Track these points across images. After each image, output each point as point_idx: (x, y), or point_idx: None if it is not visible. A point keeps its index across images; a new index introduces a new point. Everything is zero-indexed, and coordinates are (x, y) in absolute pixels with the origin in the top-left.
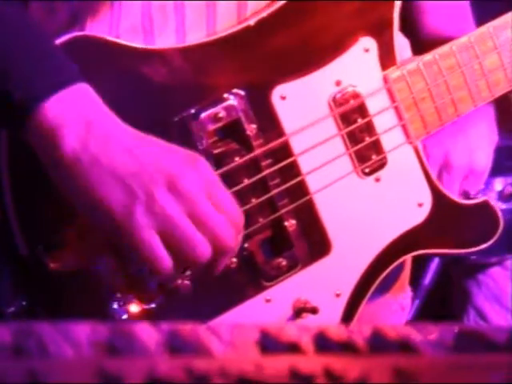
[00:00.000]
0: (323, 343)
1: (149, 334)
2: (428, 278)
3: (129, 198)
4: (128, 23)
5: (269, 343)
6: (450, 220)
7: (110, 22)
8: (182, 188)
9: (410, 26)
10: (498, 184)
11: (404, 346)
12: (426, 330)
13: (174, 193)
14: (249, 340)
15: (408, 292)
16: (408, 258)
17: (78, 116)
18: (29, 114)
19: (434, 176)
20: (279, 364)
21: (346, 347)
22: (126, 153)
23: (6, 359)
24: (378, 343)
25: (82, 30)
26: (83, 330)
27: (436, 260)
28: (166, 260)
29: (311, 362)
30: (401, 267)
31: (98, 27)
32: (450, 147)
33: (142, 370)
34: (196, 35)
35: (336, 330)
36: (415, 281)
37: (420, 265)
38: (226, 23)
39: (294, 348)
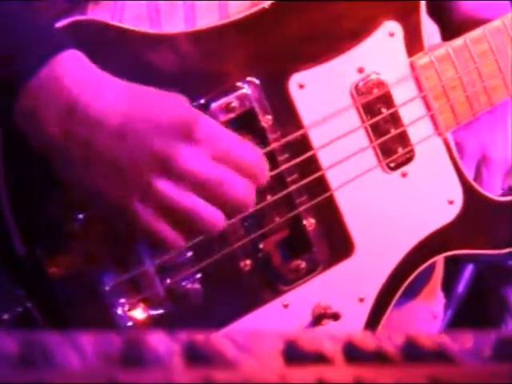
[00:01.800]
0: (353, 352)
1: (164, 344)
2: (462, 286)
3: (124, 188)
4: (133, 11)
5: (294, 353)
6: (482, 218)
7: (113, 9)
8: (177, 168)
9: (440, 11)
10: None
11: (439, 355)
12: (463, 338)
13: (170, 175)
14: (272, 350)
15: (440, 299)
16: (439, 261)
17: (57, 95)
18: (13, 99)
19: (465, 171)
20: (306, 375)
21: (378, 356)
22: (116, 140)
23: (12, 370)
24: (412, 352)
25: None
26: (93, 341)
27: (470, 266)
28: (175, 238)
29: (341, 373)
30: (431, 271)
31: (99, 14)
32: (488, 140)
33: (158, 382)
34: (207, 21)
35: (366, 338)
36: (448, 289)
37: (453, 271)
38: (239, 9)
39: (321, 358)
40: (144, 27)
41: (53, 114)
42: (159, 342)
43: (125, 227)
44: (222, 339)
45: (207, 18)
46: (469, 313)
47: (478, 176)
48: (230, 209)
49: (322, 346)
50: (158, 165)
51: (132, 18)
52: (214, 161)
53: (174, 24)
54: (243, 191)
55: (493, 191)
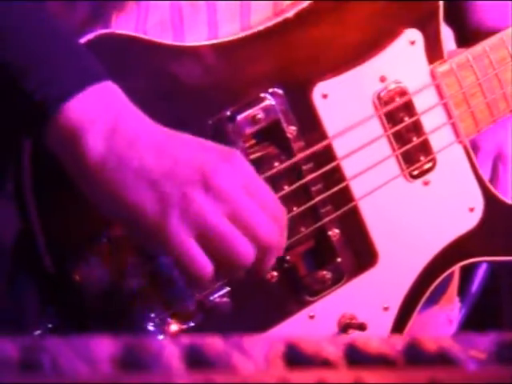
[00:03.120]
0: (355, 356)
1: (167, 348)
2: (475, 286)
3: (162, 203)
4: (156, 18)
5: (295, 356)
6: (503, 224)
7: (136, 18)
8: (219, 186)
9: (455, 16)
10: None
11: (442, 358)
12: (466, 341)
13: (210, 192)
14: (274, 353)
15: (456, 303)
16: (456, 268)
17: (102, 116)
18: (50, 116)
19: (485, 177)
20: (307, 378)
21: (379, 359)
22: (155, 152)
23: (15, 376)
24: (414, 355)
25: (107, 25)
26: (97, 345)
27: (484, 266)
28: (205, 265)
29: (342, 376)
30: (449, 276)
31: (124, 23)
32: (503, 137)
33: None
34: (229, 28)
35: (368, 341)
36: (461, 289)
37: (466, 271)
38: (261, 14)
39: (322, 361)
40: (168, 36)
41: (95, 132)
42: (160, 345)
43: (157, 247)
44: (223, 343)
45: (229, 25)
46: (482, 313)
47: (494, 174)
48: (259, 246)
49: (323, 350)
50: (198, 178)
51: (155, 25)
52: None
53: (197, 31)
54: (272, 232)
55: (509, 189)
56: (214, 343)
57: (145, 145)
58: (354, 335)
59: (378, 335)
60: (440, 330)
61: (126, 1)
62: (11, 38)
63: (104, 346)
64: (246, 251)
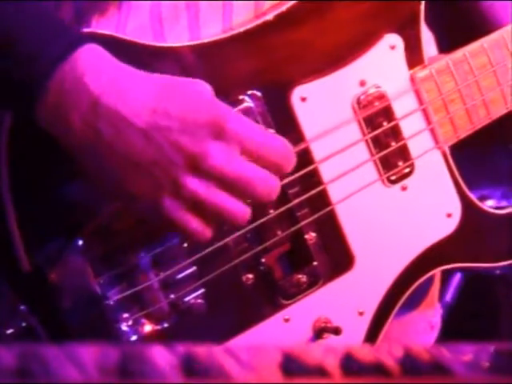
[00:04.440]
0: (351, 365)
1: (163, 356)
2: (450, 294)
3: (153, 186)
4: (136, 22)
5: (292, 366)
6: (480, 231)
7: (117, 22)
8: (206, 166)
9: (437, 19)
10: None
11: (437, 368)
12: (461, 351)
13: (199, 173)
14: (270, 363)
15: (438, 309)
16: (437, 272)
17: (80, 93)
18: (34, 95)
19: (463, 183)
20: None
21: (376, 369)
22: (141, 138)
23: (10, 382)
24: (410, 365)
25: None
26: (92, 353)
27: (458, 275)
28: (204, 231)
29: None
30: (429, 282)
31: (104, 26)
32: None
33: None
34: (210, 33)
35: (364, 351)
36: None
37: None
38: (243, 18)
39: (319, 371)
40: (147, 38)
41: (77, 110)
42: (158, 354)
43: (155, 219)
44: (220, 352)
45: (211, 28)
46: (459, 322)
47: None
48: (257, 201)
49: (320, 359)
50: (186, 161)
51: (135, 29)
52: (241, 156)
53: (178, 34)
54: (270, 186)
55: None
56: (210, 352)
57: (130, 131)
58: (331, 341)
59: (352, 341)
60: (421, 336)
61: (107, 1)
62: None
63: (98, 354)
64: (241, 214)
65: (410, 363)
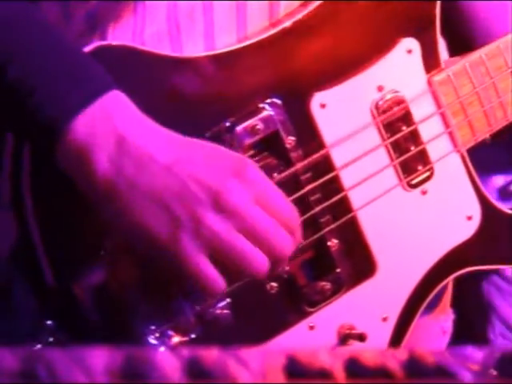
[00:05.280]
0: (356, 369)
1: (168, 360)
2: None
3: (173, 224)
4: (153, 29)
5: (296, 369)
6: (500, 232)
7: (133, 27)
8: (228, 204)
9: (448, 25)
10: (499, 180)
11: (442, 372)
12: (466, 355)
13: (220, 211)
14: (274, 365)
15: (450, 315)
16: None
17: (108, 133)
18: (56, 137)
19: (482, 186)
20: None
21: (381, 373)
22: (164, 173)
23: None
24: (415, 369)
25: (103, 36)
26: (97, 356)
27: None
28: (217, 281)
29: None
30: (443, 287)
31: (121, 33)
32: None
33: None
34: (225, 38)
35: (369, 354)
36: None
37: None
38: (258, 25)
39: (323, 374)
40: (165, 46)
41: (104, 150)
42: (163, 358)
43: (169, 266)
44: (224, 355)
45: (226, 35)
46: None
47: None
48: (273, 257)
49: (323, 362)
50: (209, 197)
51: (153, 36)
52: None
53: (194, 42)
54: (286, 242)
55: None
56: (214, 355)
57: (154, 167)
58: (354, 347)
59: (377, 347)
60: (434, 341)
61: (123, 0)
62: (15, 52)
63: (103, 357)
64: (260, 263)
65: (414, 366)
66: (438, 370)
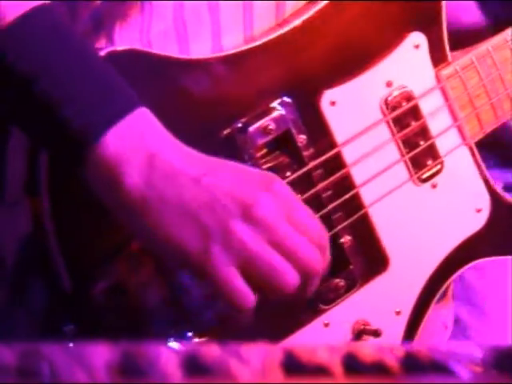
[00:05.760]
0: (353, 364)
1: (166, 355)
2: None
3: (203, 236)
4: (160, 28)
5: (294, 365)
6: (510, 224)
7: (140, 27)
8: (258, 216)
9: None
10: None
11: (440, 368)
12: (465, 351)
13: (251, 223)
14: (271, 361)
15: (451, 309)
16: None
17: (139, 149)
18: (85, 151)
19: (491, 178)
20: None
21: (378, 368)
22: (194, 185)
23: (11, 382)
24: (412, 364)
25: (110, 36)
26: (96, 352)
27: None
28: (248, 296)
29: None
30: None
31: (127, 32)
32: None
33: None
34: (232, 37)
35: (367, 350)
36: None
37: None
38: (264, 24)
39: (321, 370)
40: (172, 46)
41: (135, 167)
42: (161, 352)
43: (200, 278)
44: (222, 351)
45: (233, 33)
46: None
47: None
48: (304, 273)
49: (320, 358)
50: (239, 209)
51: (159, 35)
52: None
53: (201, 40)
54: (317, 258)
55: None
56: (212, 350)
57: (183, 179)
58: (357, 343)
59: (382, 341)
60: (436, 335)
61: (129, 1)
62: (48, 65)
63: (102, 353)
64: (291, 278)
65: (412, 362)
66: (435, 367)
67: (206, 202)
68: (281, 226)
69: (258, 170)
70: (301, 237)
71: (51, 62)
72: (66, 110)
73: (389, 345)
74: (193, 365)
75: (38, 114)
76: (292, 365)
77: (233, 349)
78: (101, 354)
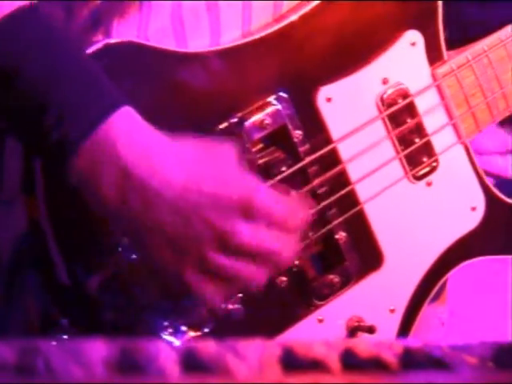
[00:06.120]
0: (351, 360)
1: (164, 352)
2: None
3: (177, 260)
4: (157, 25)
5: (292, 361)
6: (503, 223)
7: (138, 23)
8: (235, 244)
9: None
10: None
11: (438, 364)
12: (463, 347)
13: (226, 249)
14: (269, 357)
15: (448, 306)
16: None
17: (111, 162)
18: (66, 160)
19: (485, 177)
20: (303, 383)
21: (376, 364)
22: (170, 209)
23: (10, 379)
24: (410, 360)
25: (108, 32)
26: (94, 348)
27: None
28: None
29: (338, 381)
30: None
31: (125, 29)
32: None
33: None
34: (231, 35)
35: (364, 346)
36: None
37: None
38: (262, 20)
39: (319, 366)
40: (169, 42)
41: (108, 177)
42: (156, 348)
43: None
44: (220, 347)
45: (231, 30)
46: None
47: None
48: (272, 265)
49: (318, 354)
50: (215, 237)
51: (157, 32)
52: (266, 229)
53: (199, 38)
54: (292, 252)
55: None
56: (210, 347)
57: (158, 203)
58: (354, 339)
59: (376, 338)
60: (432, 332)
61: (128, 0)
62: (26, 66)
63: (99, 349)
64: (259, 278)
65: (410, 358)
66: (433, 362)
67: (183, 230)
68: (256, 243)
69: (240, 176)
70: (279, 239)
71: (32, 61)
72: (45, 118)
73: (387, 341)
74: (191, 361)
75: (16, 115)
76: (290, 361)
77: (230, 345)
78: (99, 350)
